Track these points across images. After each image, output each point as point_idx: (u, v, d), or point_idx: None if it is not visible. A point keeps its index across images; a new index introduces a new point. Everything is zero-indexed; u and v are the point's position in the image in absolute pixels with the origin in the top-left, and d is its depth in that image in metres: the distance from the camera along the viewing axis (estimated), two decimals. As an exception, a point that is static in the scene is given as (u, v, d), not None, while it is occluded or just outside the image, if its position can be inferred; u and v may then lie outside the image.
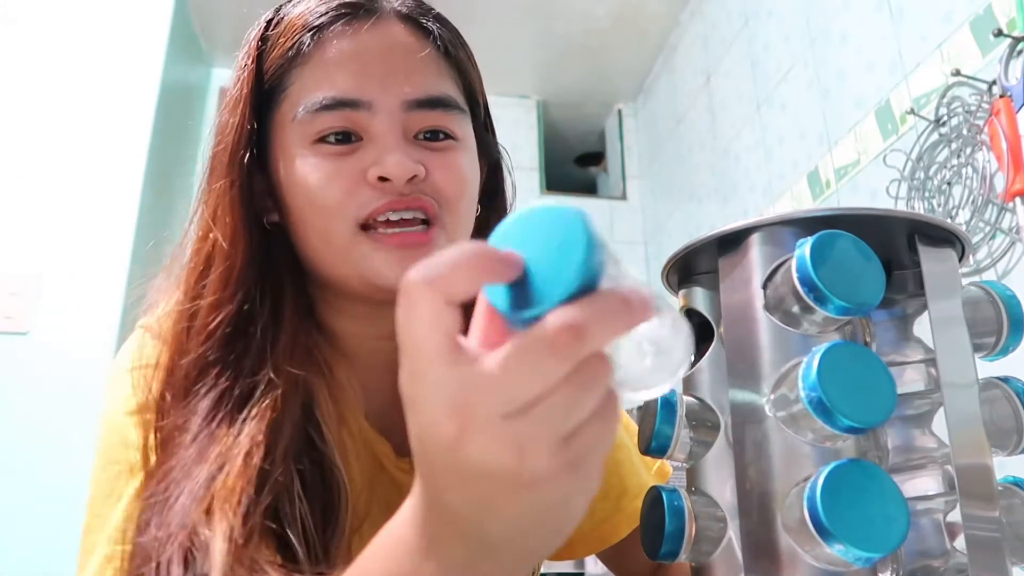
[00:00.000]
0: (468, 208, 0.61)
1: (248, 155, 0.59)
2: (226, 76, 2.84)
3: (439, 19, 0.64)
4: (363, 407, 0.63)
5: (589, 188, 3.53)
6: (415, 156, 0.57)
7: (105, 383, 0.61)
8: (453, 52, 0.63)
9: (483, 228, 0.63)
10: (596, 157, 3.50)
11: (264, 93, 0.60)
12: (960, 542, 0.40)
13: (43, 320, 1.81)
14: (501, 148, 0.70)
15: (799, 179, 1.96)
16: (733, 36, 2.37)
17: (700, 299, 0.50)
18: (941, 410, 0.42)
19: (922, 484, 0.44)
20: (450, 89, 0.61)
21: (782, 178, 2.05)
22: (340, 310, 0.63)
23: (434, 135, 0.59)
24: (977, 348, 0.46)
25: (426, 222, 0.58)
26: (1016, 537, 0.43)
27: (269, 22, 0.62)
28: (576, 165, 3.57)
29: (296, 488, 0.53)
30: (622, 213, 3.12)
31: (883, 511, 0.36)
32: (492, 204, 0.66)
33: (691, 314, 0.50)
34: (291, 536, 0.51)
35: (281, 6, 0.63)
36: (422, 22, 0.62)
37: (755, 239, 0.44)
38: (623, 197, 3.15)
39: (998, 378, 0.46)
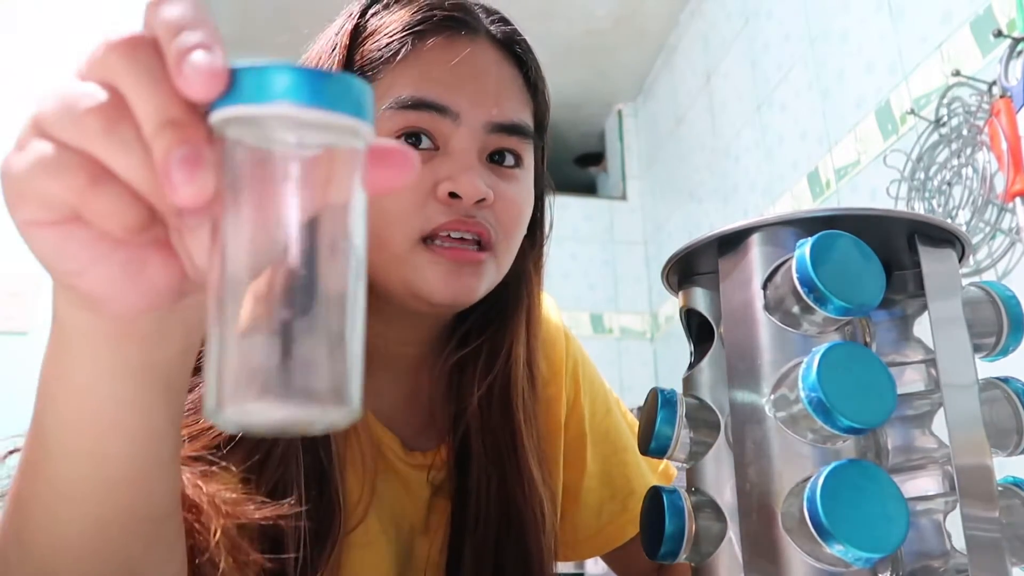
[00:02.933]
0: (519, 238, 0.62)
1: None
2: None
3: (529, 48, 0.65)
4: (371, 402, 0.64)
5: (589, 188, 3.53)
6: (487, 180, 0.58)
7: None
8: (540, 85, 0.65)
9: (520, 258, 0.64)
10: (596, 157, 3.50)
11: None
12: (960, 542, 0.40)
13: (43, 320, 1.81)
14: (548, 180, 0.70)
15: (799, 179, 1.96)
16: (733, 36, 2.37)
17: (700, 299, 0.50)
18: (941, 410, 0.42)
19: (922, 484, 0.44)
20: (528, 118, 0.63)
21: (782, 178, 2.05)
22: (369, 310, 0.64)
23: (503, 157, 0.60)
24: (977, 348, 0.46)
25: (479, 245, 0.58)
26: (1016, 537, 0.43)
27: (363, 11, 0.62)
28: (576, 165, 3.57)
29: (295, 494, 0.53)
30: (622, 213, 3.12)
31: (883, 511, 0.36)
32: (531, 234, 0.67)
33: (691, 314, 0.51)
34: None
35: (370, 4, 0.63)
36: (516, 50, 0.63)
37: (755, 239, 0.44)
38: (623, 197, 3.15)
39: (998, 378, 0.45)
